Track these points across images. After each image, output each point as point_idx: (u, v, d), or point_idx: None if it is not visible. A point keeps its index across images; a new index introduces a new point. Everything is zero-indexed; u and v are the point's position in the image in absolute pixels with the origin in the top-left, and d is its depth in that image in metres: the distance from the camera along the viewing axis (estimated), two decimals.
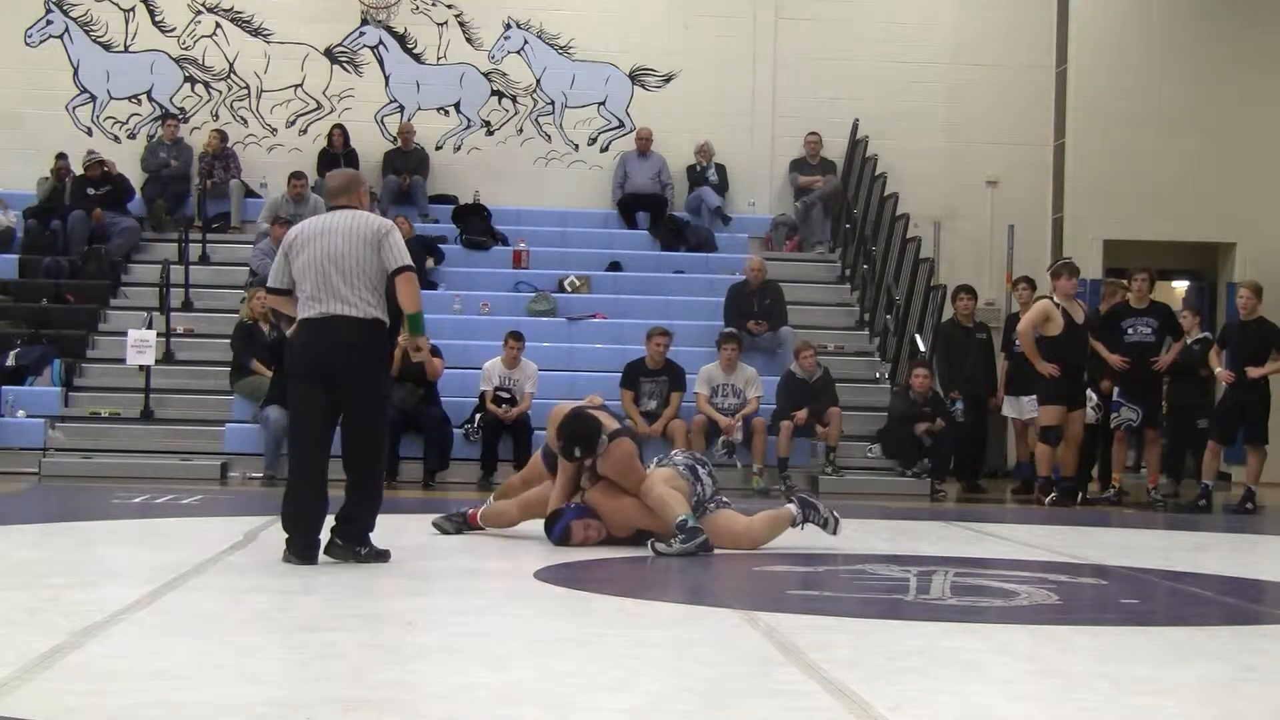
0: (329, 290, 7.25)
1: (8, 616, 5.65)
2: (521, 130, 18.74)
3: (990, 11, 18.89)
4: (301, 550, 7.22)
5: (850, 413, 14.94)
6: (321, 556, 7.27)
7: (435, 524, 8.83)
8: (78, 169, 17.41)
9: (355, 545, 7.32)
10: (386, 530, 8.30)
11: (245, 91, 18.55)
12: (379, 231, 7.32)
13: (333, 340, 7.27)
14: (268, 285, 7.63)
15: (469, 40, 18.71)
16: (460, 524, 8.75)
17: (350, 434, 7.39)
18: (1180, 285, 19.75)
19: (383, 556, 7.34)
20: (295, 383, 7.45)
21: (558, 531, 8.16)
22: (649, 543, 7.94)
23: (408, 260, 7.36)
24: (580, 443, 8.10)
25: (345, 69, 18.64)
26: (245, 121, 18.53)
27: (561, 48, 18.73)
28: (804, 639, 5.36)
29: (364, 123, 18.48)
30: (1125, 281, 14.26)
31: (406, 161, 18.19)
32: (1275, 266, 17.60)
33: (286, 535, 7.31)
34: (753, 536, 8.33)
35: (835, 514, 8.52)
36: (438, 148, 18.56)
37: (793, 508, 8.51)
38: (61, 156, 17.52)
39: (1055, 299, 13.11)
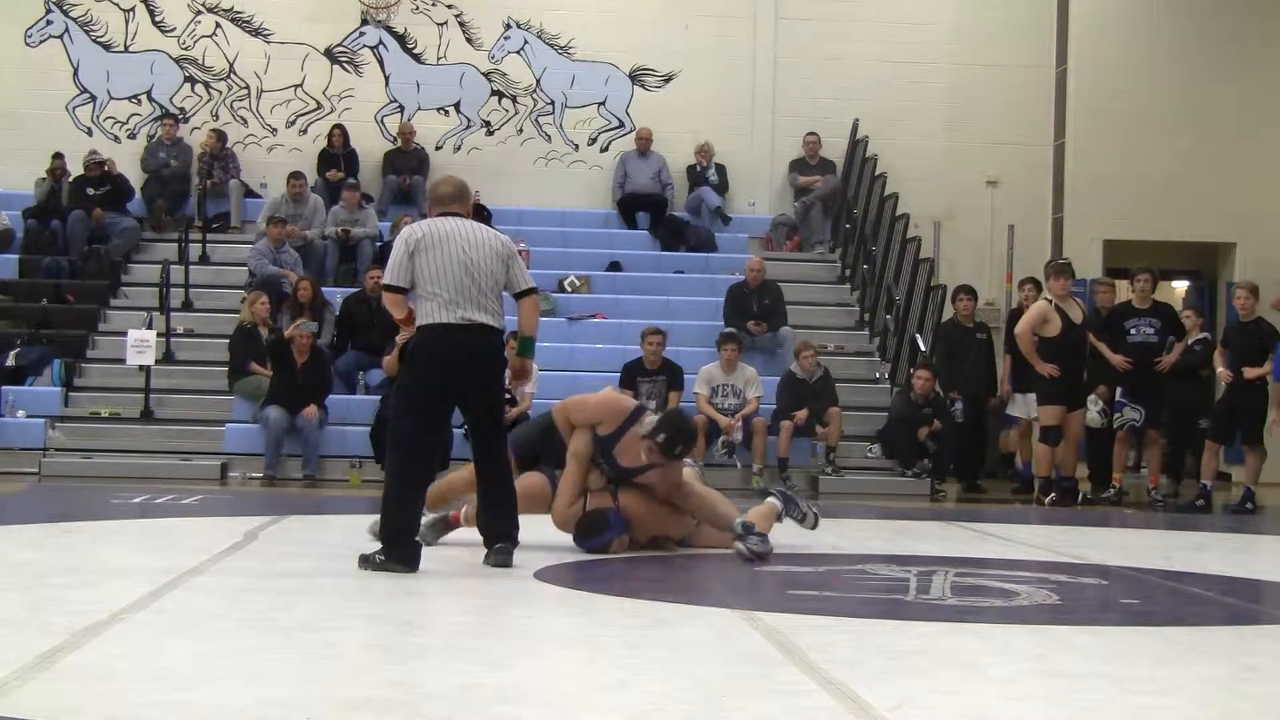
0: (469, 298, 7.14)
1: (8, 616, 5.65)
2: (521, 130, 18.75)
3: (990, 11, 18.90)
4: (412, 557, 7.08)
5: (850, 413, 14.94)
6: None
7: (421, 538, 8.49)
8: (76, 169, 17.42)
9: (509, 545, 7.31)
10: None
11: (245, 91, 18.55)
12: (508, 247, 7.38)
13: (477, 348, 7.18)
14: (388, 282, 7.29)
15: (469, 40, 18.72)
16: (441, 529, 8.31)
17: (484, 438, 7.34)
18: (1180, 285, 19.75)
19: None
20: (424, 387, 7.19)
21: (598, 544, 7.95)
22: (736, 547, 7.85)
23: (534, 283, 7.51)
24: (686, 441, 7.99)
25: (345, 69, 18.64)
26: (245, 121, 18.53)
27: (561, 48, 18.74)
28: (804, 639, 5.36)
29: (364, 123, 18.48)
30: (1112, 281, 14.28)
31: (406, 162, 18.19)
32: (1275, 266, 17.60)
33: (390, 543, 7.07)
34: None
35: (814, 510, 8.56)
36: (438, 148, 18.56)
37: (775, 501, 8.54)
38: (58, 156, 17.52)
39: (1051, 300, 13.12)
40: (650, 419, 8.05)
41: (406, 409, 7.25)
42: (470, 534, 8.11)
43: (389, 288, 7.31)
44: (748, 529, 7.84)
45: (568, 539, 8.24)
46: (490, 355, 7.28)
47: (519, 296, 7.40)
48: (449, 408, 7.36)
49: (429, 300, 7.17)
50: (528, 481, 8.14)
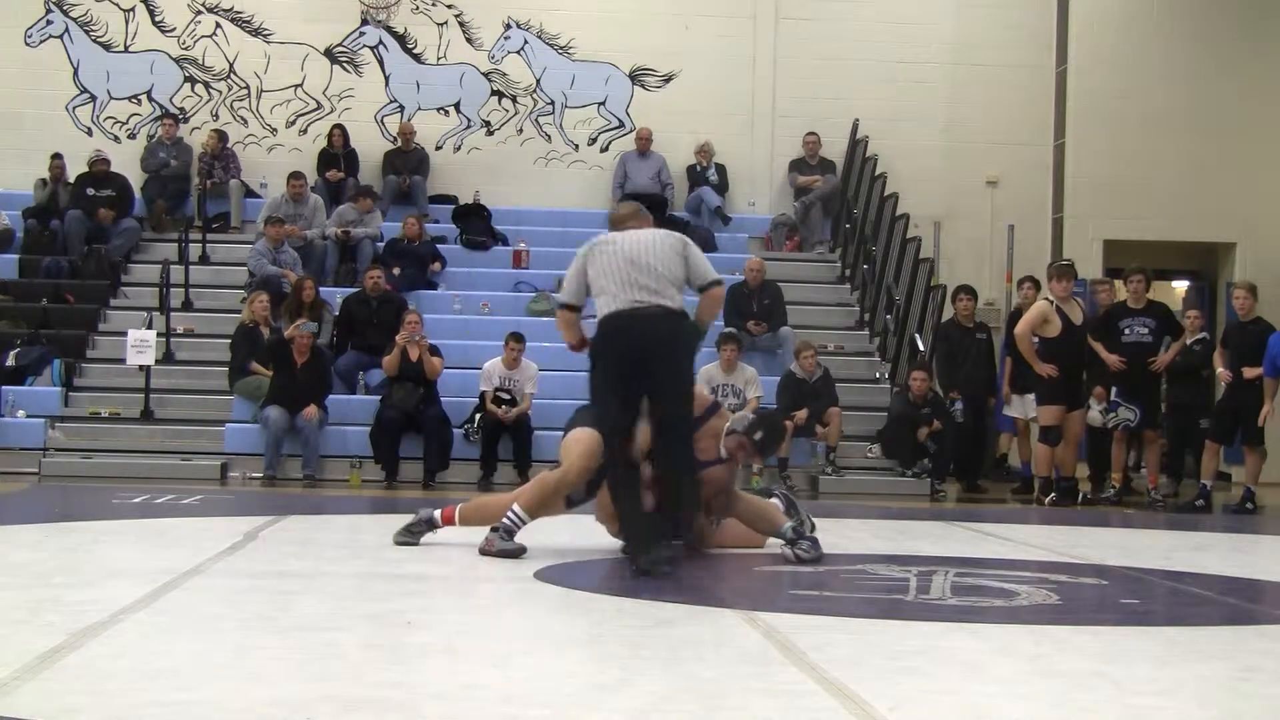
0: (636, 286, 7.24)
1: (8, 616, 5.65)
2: (521, 130, 18.75)
3: (990, 11, 18.90)
4: (662, 560, 7.05)
5: (850, 413, 14.94)
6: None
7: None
8: (75, 169, 17.42)
9: (669, 536, 7.21)
10: (386, 530, 8.30)
11: (245, 91, 18.55)
12: (681, 239, 7.51)
13: (647, 329, 7.22)
14: (562, 301, 7.58)
15: (469, 40, 18.72)
16: (424, 529, 8.12)
17: (660, 424, 7.32)
18: (1180, 285, 19.76)
19: (677, 552, 7.33)
20: (605, 380, 7.28)
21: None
22: (787, 550, 7.84)
23: (718, 276, 7.59)
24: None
25: (345, 69, 18.65)
26: (245, 121, 18.54)
27: (561, 48, 18.74)
28: (804, 639, 5.36)
29: (364, 123, 18.49)
30: (1111, 281, 14.28)
31: (406, 161, 18.20)
32: (1275, 266, 17.61)
33: (634, 548, 7.15)
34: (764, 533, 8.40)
35: (808, 515, 8.62)
36: (438, 148, 18.57)
37: (778, 503, 8.59)
38: (57, 156, 17.53)
39: (1053, 300, 13.11)
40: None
41: (597, 410, 7.36)
42: (468, 534, 8.12)
43: (562, 306, 7.56)
44: (799, 534, 7.86)
45: (568, 540, 8.24)
46: (662, 335, 7.25)
47: (702, 291, 7.48)
48: (634, 395, 7.31)
49: (600, 297, 7.34)
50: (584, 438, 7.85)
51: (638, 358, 7.23)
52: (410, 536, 8.10)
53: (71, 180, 17.43)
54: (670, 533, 7.31)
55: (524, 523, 7.75)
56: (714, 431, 8.00)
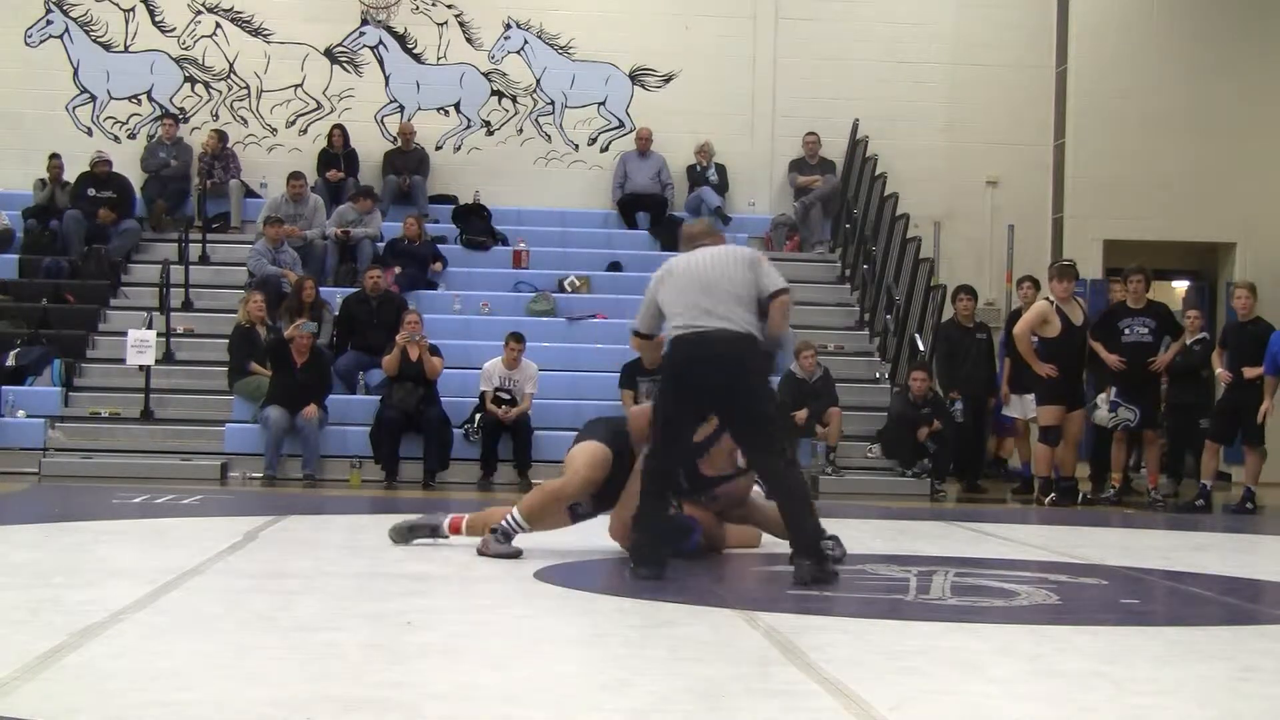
0: (700, 309, 7.12)
1: (8, 616, 5.65)
2: (521, 130, 18.76)
3: (990, 11, 18.91)
4: (654, 561, 7.06)
5: (850, 413, 14.94)
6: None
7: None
8: (75, 169, 17.41)
9: (818, 559, 7.03)
10: (386, 530, 8.30)
11: (245, 91, 18.56)
12: (753, 253, 7.40)
13: (705, 353, 7.09)
14: (634, 328, 7.55)
15: (469, 40, 18.72)
16: (423, 534, 8.11)
17: (745, 448, 7.36)
18: (1180, 285, 19.75)
19: (836, 563, 7.16)
20: (665, 402, 7.23)
21: (694, 544, 7.90)
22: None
23: (784, 284, 7.36)
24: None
25: (345, 69, 18.65)
26: (245, 121, 18.54)
27: (561, 48, 18.74)
28: (804, 639, 5.36)
29: (364, 123, 18.49)
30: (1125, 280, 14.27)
31: (406, 161, 18.20)
32: (1275, 266, 17.61)
33: (635, 552, 7.17)
34: (760, 535, 8.39)
35: None
36: (438, 148, 18.57)
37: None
38: (55, 157, 17.54)
39: (1053, 300, 13.11)
40: None
41: (655, 425, 7.32)
42: (468, 536, 8.12)
43: (635, 334, 7.55)
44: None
45: (568, 540, 8.24)
46: (722, 358, 7.08)
47: (768, 300, 7.28)
48: (691, 420, 7.33)
49: (669, 322, 7.26)
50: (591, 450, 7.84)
51: (692, 386, 7.17)
52: (403, 537, 8.10)
53: (71, 180, 17.43)
54: (807, 549, 7.04)
55: (521, 528, 7.72)
56: (728, 446, 7.94)
